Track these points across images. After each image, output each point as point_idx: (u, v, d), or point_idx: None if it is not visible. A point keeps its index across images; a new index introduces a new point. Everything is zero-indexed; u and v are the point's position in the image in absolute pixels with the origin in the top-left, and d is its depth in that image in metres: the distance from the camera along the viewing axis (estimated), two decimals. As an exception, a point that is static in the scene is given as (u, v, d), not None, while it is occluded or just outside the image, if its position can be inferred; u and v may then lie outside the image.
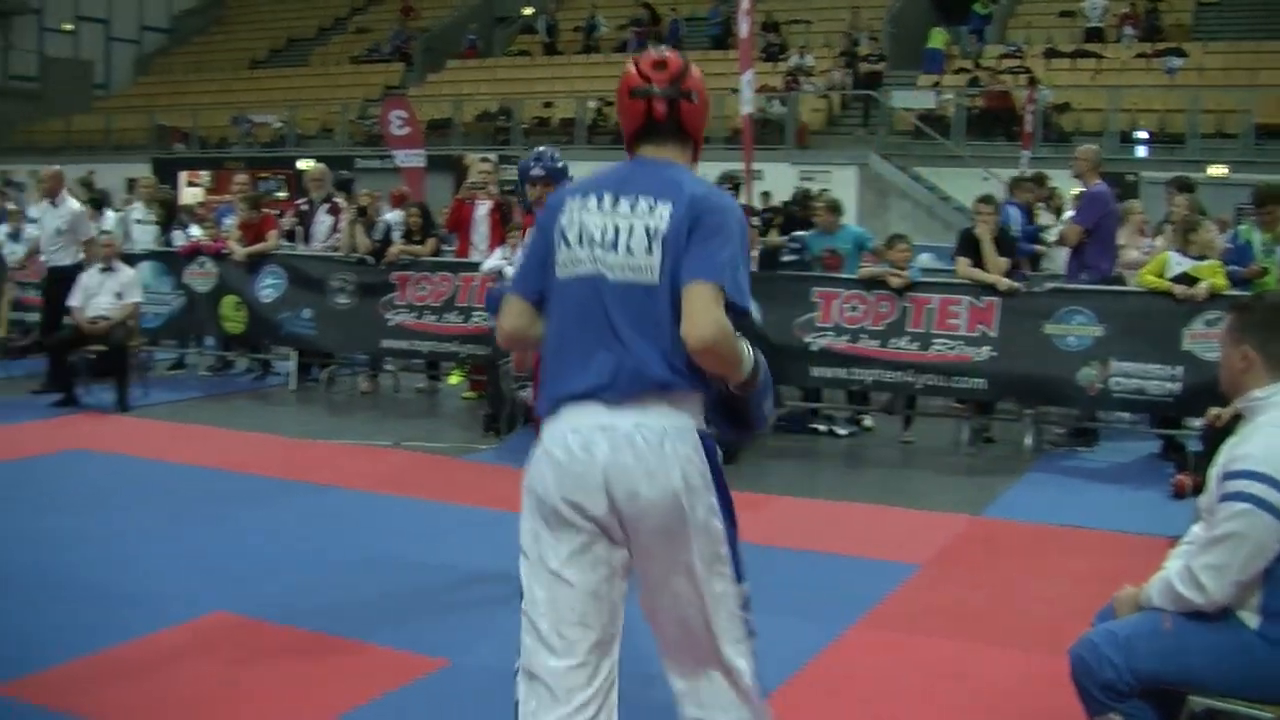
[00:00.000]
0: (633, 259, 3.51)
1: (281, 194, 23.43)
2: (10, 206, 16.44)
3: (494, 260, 12.31)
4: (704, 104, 3.74)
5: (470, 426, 11.68)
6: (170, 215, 15.36)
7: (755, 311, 3.59)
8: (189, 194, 29.18)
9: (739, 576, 3.70)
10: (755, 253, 12.68)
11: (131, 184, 20.73)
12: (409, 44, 35.72)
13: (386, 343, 13.01)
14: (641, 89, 3.69)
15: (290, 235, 14.42)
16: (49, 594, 6.41)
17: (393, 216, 14.20)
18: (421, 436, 11.13)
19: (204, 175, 32.25)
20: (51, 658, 5.59)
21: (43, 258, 12.69)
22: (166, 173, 26.96)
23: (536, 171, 6.54)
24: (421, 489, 9.16)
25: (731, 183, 12.75)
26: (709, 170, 14.14)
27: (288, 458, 10.26)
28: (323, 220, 13.94)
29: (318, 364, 14.05)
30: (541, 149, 6.85)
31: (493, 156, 18.35)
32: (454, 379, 13.99)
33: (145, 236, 14.99)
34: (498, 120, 30.29)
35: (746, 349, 3.53)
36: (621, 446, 3.48)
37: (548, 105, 30.07)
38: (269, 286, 13.56)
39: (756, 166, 14.27)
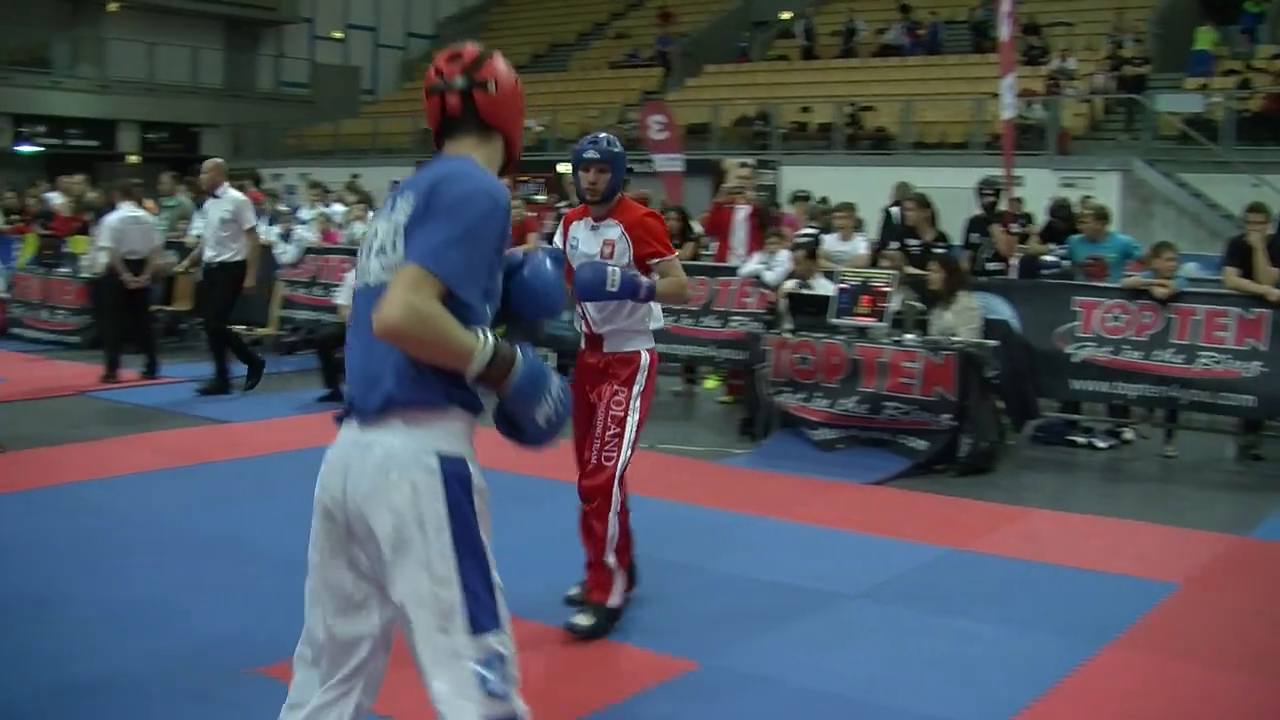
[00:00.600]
0: (385, 259, 3.32)
1: (541, 197, 23.73)
2: (281, 209, 17.07)
3: (752, 264, 12.41)
4: (507, 93, 3.51)
5: (726, 430, 11.75)
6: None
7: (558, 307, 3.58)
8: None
9: (477, 627, 3.27)
10: (1014, 260, 12.55)
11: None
12: (669, 49, 35.94)
13: (648, 346, 13.10)
14: (434, 85, 3.53)
15: (550, 238, 14.69)
16: (291, 580, 6.64)
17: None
18: (677, 440, 11.25)
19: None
20: (290, 646, 5.82)
21: (209, 252, 12.89)
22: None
23: (590, 155, 6.24)
24: (677, 492, 9.23)
25: (992, 189, 12.61)
26: (968, 176, 14.01)
27: (549, 459, 10.41)
28: (582, 224, 14.15)
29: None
30: (598, 132, 6.56)
31: (751, 161, 18.45)
32: (710, 383, 14.11)
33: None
34: (755, 125, 30.33)
35: (481, 338, 3.19)
36: (355, 470, 3.31)
37: (805, 110, 29.98)
38: (531, 289, 13.80)
39: (1017, 173, 14.08)
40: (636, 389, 6.22)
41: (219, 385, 12.89)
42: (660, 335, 12.59)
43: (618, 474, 6.13)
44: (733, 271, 12.64)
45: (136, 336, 13.87)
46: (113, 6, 38.06)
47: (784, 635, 6.24)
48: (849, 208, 13.91)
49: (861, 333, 10.69)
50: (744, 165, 15.24)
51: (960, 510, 8.94)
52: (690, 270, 12.72)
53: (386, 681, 4.84)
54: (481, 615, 3.26)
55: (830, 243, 12.91)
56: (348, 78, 43.22)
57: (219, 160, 13.29)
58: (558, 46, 41.49)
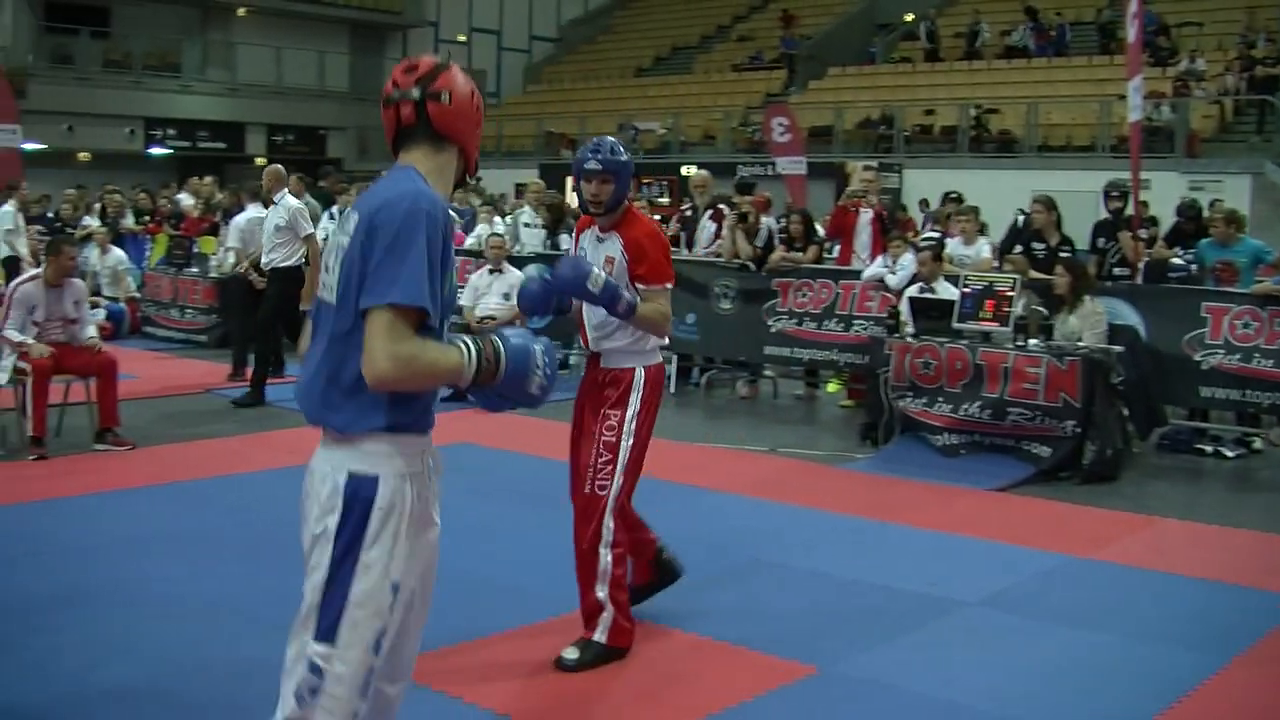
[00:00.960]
0: (328, 278, 3.43)
1: (664, 200, 23.86)
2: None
3: (875, 268, 12.36)
4: (461, 104, 3.55)
5: (847, 435, 11.71)
6: (557, 219, 15.86)
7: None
8: (574, 199, 30.02)
9: (321, 635, 3.36)
10: (1140, 264, 12.37)
11: (520, 189, 21.49)
12: (795, 51, 35.84)
13: (768, 349, 13.16)
14: (390, 96, 3.56)
15: (675, 240, 14.73)
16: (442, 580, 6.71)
17: (769, 221, 14.30)
18: (798, 443, 11.24)
19: (590, 181, 33.00)
20: (432, 641, 5.88)
21: (265, 257, 12.97)
22: (553, 178, 27.71)
23: (592, 165, 5.82)
24: (796, 495, 9.23)
25: (1119, 193, 12.44)
26: (1094, 180, 13.86)
27: (665, 459, 10.44)
28: (706, 226, 14.19)
29: (697, 368, 14.33)
30: (602, 138, 6.04)
31: (874, 164, 18.37)
32: (832, 386, 14.07)
33: (533, 239, 15.53)
34: (879, 128, 30.19)
35: (464, 351, 3.33)
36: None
37: (929, 113, 29.82)
38: (653, 291, 13.85)
39: (1144, 176, 13.90)
40: (630, 410, 5.83)
41: (253, 397, 12.74)
42: (782, 338, 12.74)
43: (609, 504, 5.75)
44: (856, 275, 12.60)
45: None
46: (241, 11, 38.75)
47: (904, 641, 6.21)
48: (972, 211, 13.80)
49: (985, 337, 10.61)
50: (867, 168, 15.17)
51: (1084, 518, 8.83)
52: (813, 274, 12.81)
53: (501, 681, 4.90)
54: (324, 625, 3.35)
55: (954, 246, 12.81)
56: (473, 80, 43.49)
57: (277, 167, 13.37)
58: (680, 49, 41.56)
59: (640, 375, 5.89)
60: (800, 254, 13.27)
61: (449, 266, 3.39)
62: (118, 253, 18.13)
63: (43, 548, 7.50)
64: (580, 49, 44.92)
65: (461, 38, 44.29)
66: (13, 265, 15.49)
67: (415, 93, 3.49)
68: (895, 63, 34.89)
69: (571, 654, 5.71)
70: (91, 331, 10.50)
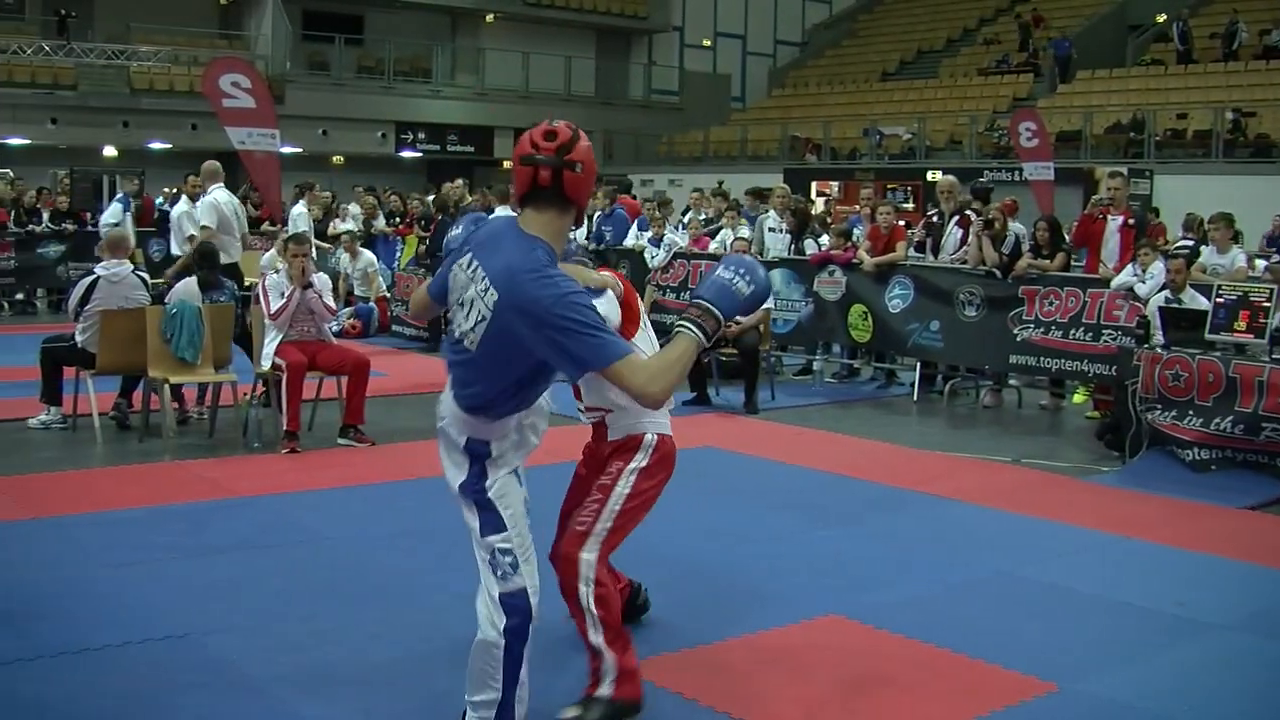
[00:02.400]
0: (464, 325, 4.22)
1: (909, 205, 23.64)
2: (655, 214, 17.41)
3: (1124, 276, 12.07)
4: (588, 173, 4.17)
5: (1092, 447, 11.46)
6: (802, 224, 15.83)
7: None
8: (818, 204, 29.97)
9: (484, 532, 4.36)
10: None
11: (762, 194, 21.49)
12: (1065, 53, 35.11)
13: (1014, 358, 12.96)
14: (529, 157, 4.12)
15: (920, 246, 14.60)
16: (670, 583, 6.76)
17: (1017, 228, 14.06)
18: (1042, 454, 11.05)
19: (832, 185, 32.97)
20: (668, 643, 5.96)
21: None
22: (798, 182, 27.71)
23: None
24: (1039, 507, 9.07)
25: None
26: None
27: (907, 467, 10.41)
28: (952, 232, 14.04)
29: (941, 376, 14.19)
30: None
31: (1123, 170, 17.96)
32: (1078, 397, 13.80)
33: (778, 244, 15.54)
34: (1129, 133, 29.46)
35: (687, 334, 4.05)
36: None
37: (1181, 117, 29.00)
38: (897, 297, 13.80)
39: None
40: (634, 464, 5.38)
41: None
42: (1028, 347, 12.52)
43: (588, 541, 5.18)
44: (1104, 284, 12.33)
45: None
46: (489, 18, 39.50)
47: (1150, 662, 6.05)
48: (1226, 219, 13.39)
49: (1239, 349, 10.28)
50: (1116, 174, 14.81)
51: (1345, 540, 8.51)
52: (1060, 282, 12.57)
53: (739, 685, 4.91)
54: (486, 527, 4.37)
55: (1207, 255, 12.45)
56: (717, 85, 43.78)
57: (211, 163, 13.76)
58: (926, 52, 41.16)
59: (652, 438, 5.45)
60: (1047, 261, 13.02)
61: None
62: (367, 255, 18.70)
63: (295, 539, 7.76)
64: (825, 53, 44.76)
65: (706, 42, 44.54)
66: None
67: (555, 160, 4.07)
68: (1146, 65, 34.00)
69: (572, 714, 5.10)
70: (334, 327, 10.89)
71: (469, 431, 4.35)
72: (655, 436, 5.44)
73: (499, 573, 4.30)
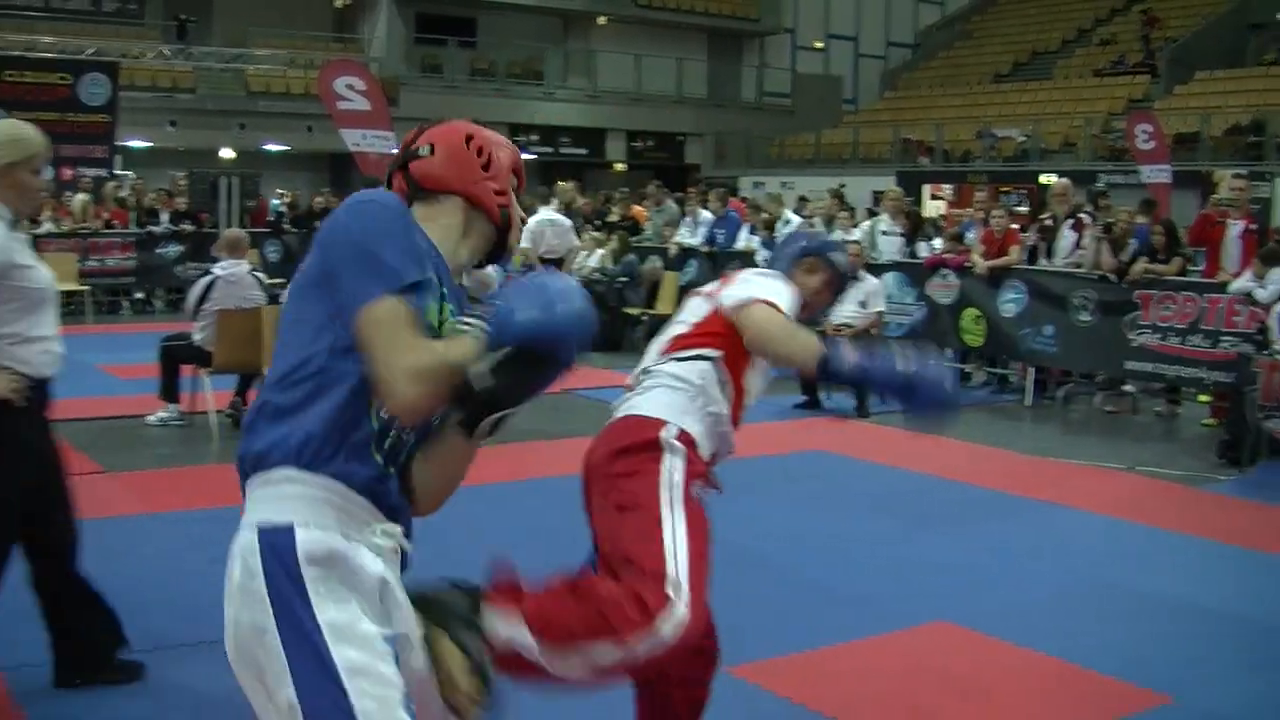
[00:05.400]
0: None
1: (1023, 208, 23.39)
2: (764, 216, 17.38)
3: (1242, 282, 11.87)
4: (449, 150, 3.16)
5: (1209, 455, 11.27)
6: (915, 227, 15.74)
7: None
8: (930, 207, 29.77)
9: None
10: None
11: (877, 196, 21.42)
12: (1155, 55, 34.69)
13: (1129, 364, 12.78)
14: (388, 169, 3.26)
15: (1033, 251, 14.46)
16: (777, 587, 6.76)
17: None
18: (1156, 462, 10.88)
19: (946, 189, 32.74)
20: (775, 648, 5.92)
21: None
22: (910, 185, 27.54)
23: None
24: (1154, 516, 8.94)
25: None
26: None
27: (1018, 473, 10.32)
28: (1066, 236, 13.89)
29: (1054, 381, 14.05)
30: None
31: (1244, 173, 17.67)
32: (1202, 398, 13.59)
33: (890, 248, 15.46)
34: (1249, 135, 28.95)
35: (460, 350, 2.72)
36: None
37: (1304, 118, 28.50)
38: (1010, 301, 13.67)
39: None
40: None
41: None
42: (1144, 353, 12.36)
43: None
44: (1222, 289, 12.13)
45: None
46: (601, 20, 39.66)
47: (1267, 678, 5.94)
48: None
49: (1363, 357, 10.09)
50: (1238, 177, 14.57)
51: None
52: (1177, 286, 12.38)
53: (839, 688, 4.89)
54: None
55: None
56: (829, 87, 43.62)
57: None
58: (1040, 54, 40.71)
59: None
60: (1164, 265, 12.84)
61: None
62: (488, 271, 18.74)
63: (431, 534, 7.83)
64: (938, 55, 44.44)
65: (818, 44, 44.42)
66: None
67: (401, 159, 3.19)
68: (1268, 65, 33.39)
69: None
70: None
71: None
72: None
73: None
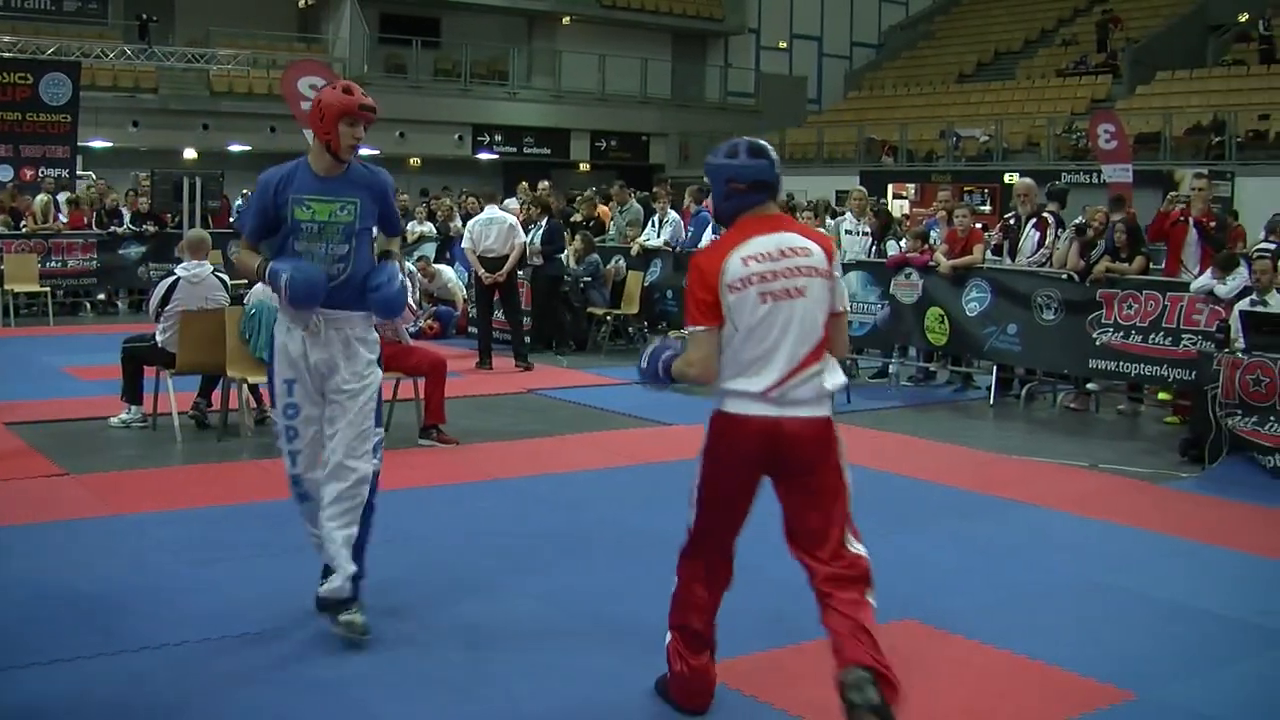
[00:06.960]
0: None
1: (986, 208, 23.50)
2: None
3: (1204, 279, 11.94)
4: (314, 103, 6.25)
5: (1171, 453, 11.32)
6: (885, 226, 15.77)
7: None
8: (894, 206, 29.83)
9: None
10: None
11: (840, 196, 21.44)
12: (1116, 56, 34.83)
13: (1093, 362, 12.81)
14: None
15: (997, 250, 14.50)
16: (742, 586, 6.73)
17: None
18: (1119, 459, 10.94)
19: (909, 188, 32.80)
20: (741, 647, 5.88)
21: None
22: (874, 185, 27.58)
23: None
24: (1118, 513, 8.97)
25: None
26: None
27: (983, 472, 10.34)
28: (1030, 235, 13.92)
29: (1017, 380, 14.08)
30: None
31: (1204, 172, 17.79)
32: (1163, 395, 13.64)
33: (855, 247, 15.47)
34: (1210, 135, 29.09)
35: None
36: None
37: (1264, 118, 28.60)
38: (974, 300, 13.69)
39: None
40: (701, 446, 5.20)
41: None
42: (1107, 351, 12.40)
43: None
44: (1184, 287, 12.19)
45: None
46: (566, 20, 39.67)
47: (1229, 672, 5.99)
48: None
49: (1323, 355, 10.14)
50: (1201, 177, 14.66)
51: None
52: (1140, 285, 12.44)
53: (808, 688, 4.90)
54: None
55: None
56: (793, 87, 43.69)
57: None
58: (1003, 54, 40.86)
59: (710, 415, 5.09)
60: (1126, 264, 12.89)
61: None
62: (446, 273, 18.62)
63: (374, 538, 7.81)
64: (901, 55, 44.53)
65: (782, 44, 44.48)
66: None
67: None
68: (1228, 65, 33.57)
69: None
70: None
71: None
72: (713, 411, 5.06)
73: None
